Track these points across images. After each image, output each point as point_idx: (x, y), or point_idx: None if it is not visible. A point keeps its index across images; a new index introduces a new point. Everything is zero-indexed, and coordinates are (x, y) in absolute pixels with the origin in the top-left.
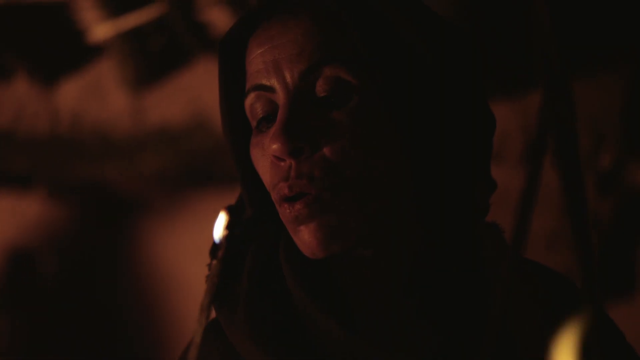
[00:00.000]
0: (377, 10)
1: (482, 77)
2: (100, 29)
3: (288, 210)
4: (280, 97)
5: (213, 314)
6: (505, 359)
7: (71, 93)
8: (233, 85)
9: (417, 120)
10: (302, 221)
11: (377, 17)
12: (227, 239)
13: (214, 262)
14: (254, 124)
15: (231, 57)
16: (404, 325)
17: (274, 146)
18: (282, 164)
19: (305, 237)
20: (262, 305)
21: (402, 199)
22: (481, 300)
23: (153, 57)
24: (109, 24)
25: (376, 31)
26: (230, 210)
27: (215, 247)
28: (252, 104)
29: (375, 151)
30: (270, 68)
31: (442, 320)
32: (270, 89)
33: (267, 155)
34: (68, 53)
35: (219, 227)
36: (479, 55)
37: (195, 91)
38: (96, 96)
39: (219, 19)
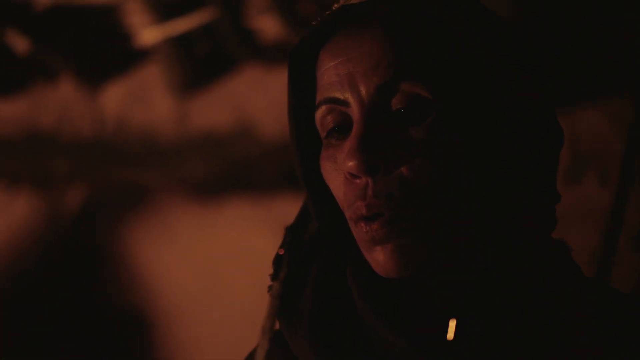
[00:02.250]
0: (448, 24)
1: (547, 87)
2: (148, 34)
3: (365, 230)
4: (354, 111)
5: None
6: None
7: (116, 97)
8: (302, 95)
9: (486, 135)
10: (378, 242)
11: (448, 31)
12: (287, 260)
13: (275, 283)
14: (323, 135)
15: (301, 68)
16: (470, 344)
17: (350, 163)
18: (358, 181)
19: (380, 258)
20: (326, 320)
21: (471, 217)
22: (546, 320)
23: (199, 63)
24: (157, 28)
25: (449, 46)
26: (291, 230)
27: (277, 267)
28: (324, 116)
29: (449, 170)
30: (344, 81)
31: (506, 340)
32: (344, 103)
33: (339, 170)
34: (115, 56)
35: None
36: (545, 65)
37: (240, 98)
38: (141, 101)
39: (268, 26)
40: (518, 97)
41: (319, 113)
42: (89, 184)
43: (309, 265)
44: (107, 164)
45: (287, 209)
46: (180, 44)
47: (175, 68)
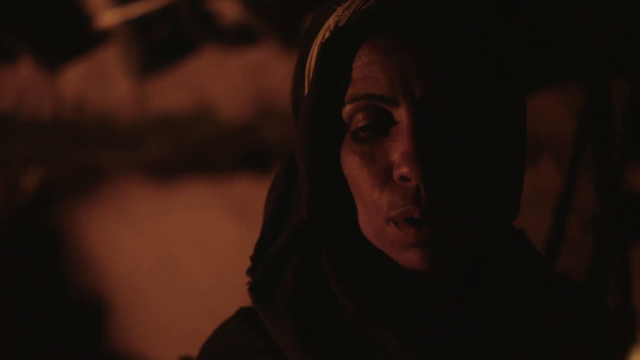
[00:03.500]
0: (487, 30)
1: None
2: (107, 16)
3: (411, 233)
4: (404, 113)
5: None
6: None
7: (75, 79)
8: (329, 86)
9: (508, 141)
10: (419, 244)
11: (486, 38)
12: (268, 254)
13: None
14: (352, 128)
15: (334, 58)
16: (451, 333)
17: (406, 169)
18: (408, 184)
19: (414, 259)
20: (308, 310)
21: (482, 215)
22: (516, 308)
23: (158, 46)
24: (116, 10)
25: (488, 53)
26: (270, 222)
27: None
28: (358, 110)
29: (482, 176)
30: (395, 80)
31: (485, 328)
32: (392, 101)
33: (376, 168)
34: (73, 39)
35: None
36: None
37: (199, 81)
38: (100, 83)
39: (227, 10)
40: (519, 97)
41: (353, 107)
42: (47, 165)
43: (289, 258)
44: (66, 146)
45: (244, 190)
46: (139, 27)
47: (134, 50)
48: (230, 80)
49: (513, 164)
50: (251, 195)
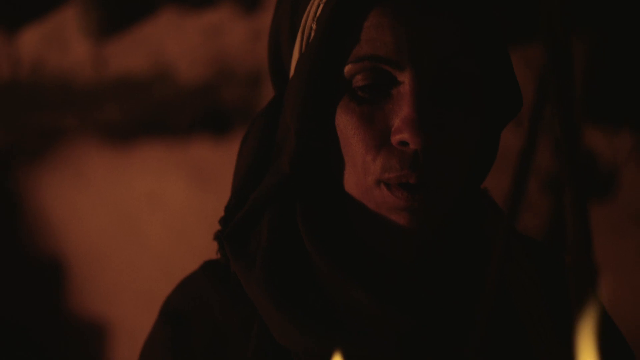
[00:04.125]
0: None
1: None
2: None
3: (404, 197)
4: (409, 78)
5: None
6: (505, 324)
7: (32, 40)
8: (333, 43)
9: (498, 107)
10: (410, 209)
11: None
12: (244, 208)
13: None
14: (351, 87)
15: (344, 17)
16: (419, 289)
17: (407, 135)
18: (406, 149)
19: (402, 221)
20: (280, 262)
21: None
22: (480, 264)
23: (116, 7)
24: None
25: (492, 20)
26: (244, 179)
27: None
28: (361, 71)
29: (475, 143)
30: (403, 45)
31: (452, 283)
32: (397, 65)
33: (374, 130)
34: (31, 0)
35: None
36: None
37: (157, 42)
38: (57, 44)
39: None
40: (509, 63)
41: (356, 67)
42: (3, 127)
43: (264, 212)
44: (23, 108)
45: (201, 153)
46: None
47: (92, 11)
48: (188, 42)
49: (498, 130)
50: (209, 157)
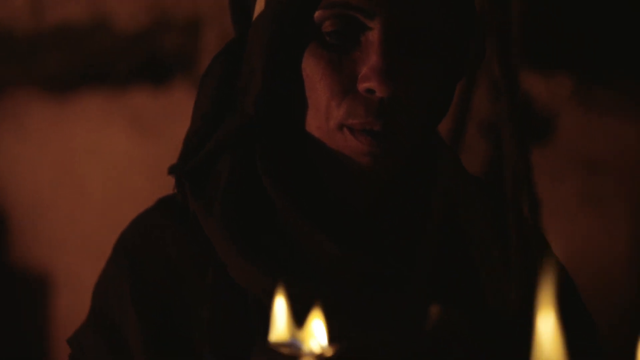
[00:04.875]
0: None
1: None
2: None
3: (368, 143)
4: (378, 28)
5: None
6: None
7: None
8: None
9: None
10: (373, 154)
11: None
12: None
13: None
14: (320, 33)
15: None
16: (377, 234)
17: (375, 83)
18: (373, 97)
19: (363, 165)
20: (240, 203)
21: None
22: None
23: None
24: None
25: None
26: (204, 118)
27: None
28: (332, 17)
29: (438, 96)
30: None
31: (407, 222)
32: (368, 14)
33: (341, 76)
34: None
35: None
36: None
37: None
38: None
39: None
40: (473, 22)
41: (327, 13)
42: None
43: (224, 153)
44: None
45: (141, 102)
46: None
47: None
48: None
49: (457, 79)
50: (148, 106)
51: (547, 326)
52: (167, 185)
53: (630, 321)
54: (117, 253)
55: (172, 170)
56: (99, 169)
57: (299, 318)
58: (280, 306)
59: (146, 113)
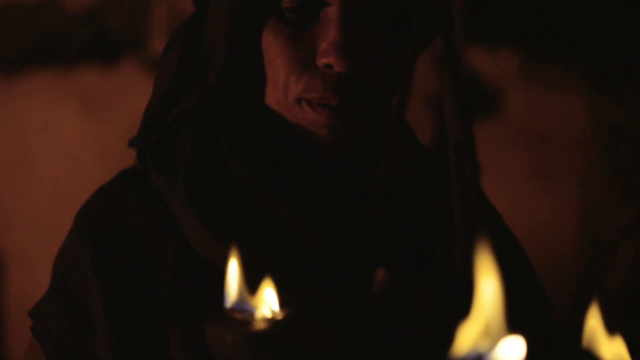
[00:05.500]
0: None
1: None
2: None
3: (328, 115)
4: (337, 4)
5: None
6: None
7: None
8: None
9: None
10: (330, 126)
11: None
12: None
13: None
14: (280, 8)
15: None
16: (334, 205)
17: (333, 59)
18: (331, 72)
19: (322, 137)
20: (204, 175)
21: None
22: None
23: None
24: None
25: None
26: (165, 95)
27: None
28: None
29: (392, 68)
30: None
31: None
32: None
33: (300, 51)
34: None
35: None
36: None
37: None
38: None
39: None
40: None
41: None
42: None
43: (187, 125)
44: None
45: (90, 80)
46: None
47: None
48: None
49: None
50: (97, 85)
51: (487, 289)
52: (116, 163)
53: (578, 294)
54: (78, 225)
55: (132, 143)
56: (49, 148)
57: (253, 285)
58: (233, 272)
59: (95, 91)
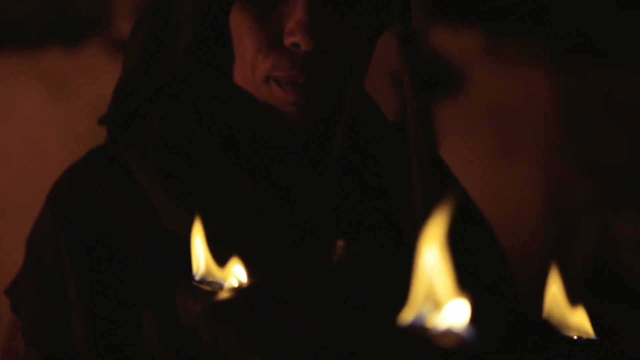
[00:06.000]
0: None
1: None
2: None
3: (295, 93)
4: None
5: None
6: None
7: None
8: None
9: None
10: (297, 104)
11: None
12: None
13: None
14: None
15: None
16: (299, 180)
17: (299, 37)
18: (298, 51)
19: (289, 115)
20: (173, 151)
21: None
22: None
23: None
24: None
25: None
26: (135, 72)
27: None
28: None
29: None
30: None
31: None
32: None
33: (268, 32)
34: None
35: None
36: None
37: None
38: None
39: None
40: None
41: None
42: None
43: (152, 105)
44: None
45: (54, 63)
46: None
47: None
48: None
49: (377, 35)
50: (62, 68)
51: (430, 255)
52: (82, 144)
53: (540, 271)
54: (50, 202)
55: (102, 121)
56: (13, 130)
57: (220, 258)
58: (199, 245)
59: (60, 74)
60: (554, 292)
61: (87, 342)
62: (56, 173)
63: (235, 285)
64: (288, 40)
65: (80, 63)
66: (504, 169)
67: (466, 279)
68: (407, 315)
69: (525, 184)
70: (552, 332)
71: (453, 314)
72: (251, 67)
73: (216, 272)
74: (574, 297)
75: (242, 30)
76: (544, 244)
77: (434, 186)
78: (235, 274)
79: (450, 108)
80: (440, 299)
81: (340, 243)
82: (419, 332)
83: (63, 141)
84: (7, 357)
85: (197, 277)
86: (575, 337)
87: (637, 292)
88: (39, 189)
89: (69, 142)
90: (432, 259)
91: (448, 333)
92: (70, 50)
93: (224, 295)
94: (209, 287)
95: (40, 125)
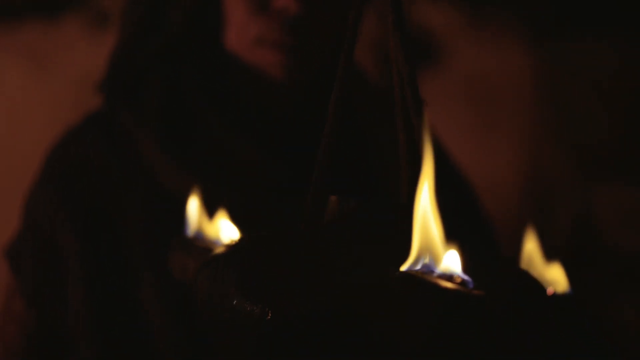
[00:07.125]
0: None
1: None
2: None
3: (284, 53)
4: None
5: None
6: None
7: None
8: None
9: None
10: (286, 66)
11: None
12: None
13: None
14: None
15: None
16: (291, 141)
17: (288, 1)
18: (287, 14)
19: (279, 76)
20: (173, 114)
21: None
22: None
23: None
24: None
25: None
26: (131, 40)
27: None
28: None
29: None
30: None
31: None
32: None
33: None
34: None
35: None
36: None
37: None
38: None
39: None
40: None
41: None
42: None
43: (150, 70)
44: None
45: (35, 37)
46: None
47: None
48: None
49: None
50: (42, 41)
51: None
52: (64, 117)
53: (519, 247)
54: (48, 167)
55: (102, 87)
56: None
57: (214, 215)
58: (194, 203)
59: (41, 48)
60: (530, 249)
61: (84, 301)
62: (39, 145)
63: (228, 241)
64: (278, 4)
65: (60, 37)
66: (483, 144)
67: (456, 231)
68: (408, 262)
69: (505, 159)
70: (532, 282)
71: (451, 261)
72: (242, 30)
73: (210, 229)
74: (551, 258)
75: None
76: (523, 219)
77: (419, 149)
78: (227, 230)
79: (432, 82)
80: (437, 248)
81: (333, 198)
82: (421, 276)
83: (44, 114)
84: (8, 317)
85: (191, 234)
86: (550, 290)
87: (615, 263)
88: (19, 163)
89: (50, 115)
90: (426, 212)
91: (449, 277)
92: (50, 24)
93: (219, 250)
94: (203, 243)
95: (21, 98)
